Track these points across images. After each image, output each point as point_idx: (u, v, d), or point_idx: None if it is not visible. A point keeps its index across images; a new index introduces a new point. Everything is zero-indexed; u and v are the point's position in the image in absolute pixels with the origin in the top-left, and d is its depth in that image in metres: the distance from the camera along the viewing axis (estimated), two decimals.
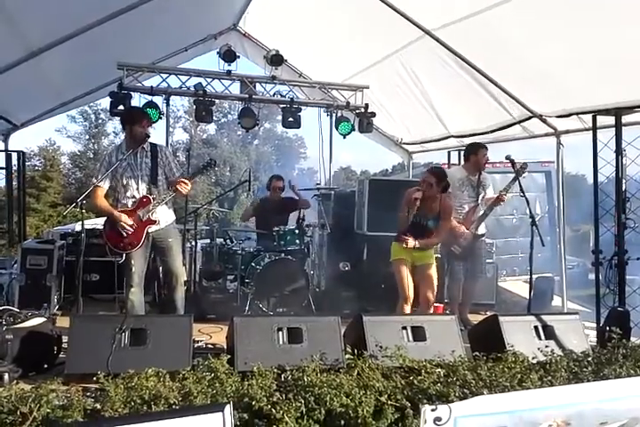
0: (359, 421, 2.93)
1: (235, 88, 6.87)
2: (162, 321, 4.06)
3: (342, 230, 6.86)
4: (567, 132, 6.17)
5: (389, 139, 9.12)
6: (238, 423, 2.74)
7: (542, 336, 4.18)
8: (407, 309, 5.03)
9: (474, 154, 5.68)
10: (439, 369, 3.55)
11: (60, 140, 43.16)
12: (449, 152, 8.17)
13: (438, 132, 7.83)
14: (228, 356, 3.55)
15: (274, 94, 7.04)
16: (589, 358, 3.84)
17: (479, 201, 5.65)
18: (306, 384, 3.17)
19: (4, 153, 7.09)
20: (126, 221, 4.57)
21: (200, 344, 4.60)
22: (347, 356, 3.73)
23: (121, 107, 6.14)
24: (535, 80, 5.61)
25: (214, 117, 6.98)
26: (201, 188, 30.29)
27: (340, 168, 37.98)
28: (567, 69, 5.13)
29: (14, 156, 7.25)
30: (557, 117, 5.98)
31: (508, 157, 5.27)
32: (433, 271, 5.09)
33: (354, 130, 7.18)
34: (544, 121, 6.20)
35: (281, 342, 3.84)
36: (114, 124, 37.15)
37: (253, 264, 6.17)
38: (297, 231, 6.47)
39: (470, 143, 6.03)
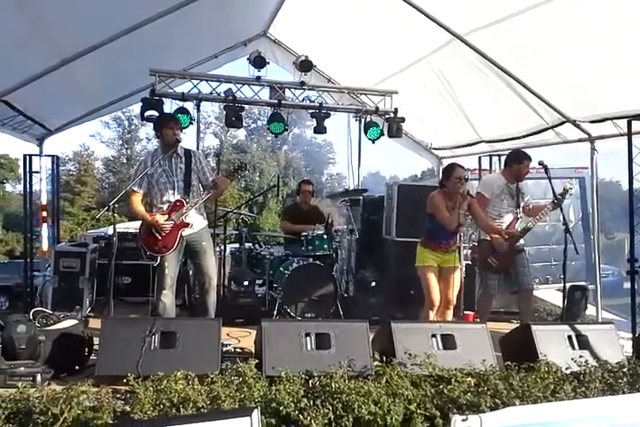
0: None
1: (264, 94, 6.91)
2: (191, 324, 4.08)
3: (371, 236, 6.83)
4: (602, 137, 6.02)
5: (419, 144, 9.05)
6: None
7: (576, 346, 4.08)
8: (432, 315, 5.05)
9: (517, 163, 5.41)
10: (470, 378, 3.50)
11: (93, 146, 44.04)
12: (480, 157, 8.04)
13: (469, 137, 7.74)
14: (256, 360, 3.56)
15: (303, 100, 7.06)
16: (625, 369, 3.75)
17: (519, 212, 5.48)
18: (334, 391, 3.16)
19: (38, 157, 7.23)
20: (160, 221, 4.65)
21: (229, 348, 4.60)
22: (375, 363, 3.70)
23: (151, 112, 6.23)
24: (568, 85, 5.51)
25: (244, 123, 7.02)
26: (230, 193, 30.54)
27: (368, 173, 37.84)
28: (601, 74, 5.03)
29: (49, 160, 7.40)
30: (591, 123, 5.83)
31: (540, 163, 5.13)
32: (457, 274, 5.15)
33: (383, 135, 7.15)
34: (578, 126, 6.06)
35: (309, 348, 3.82)
36: (146, 130, 37.79)
37: (282, 269, 6.18)
38: (325, 236, 6.46)
39: (515, 151, 5.75)
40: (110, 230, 6.27)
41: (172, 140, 4.76)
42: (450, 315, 5.17)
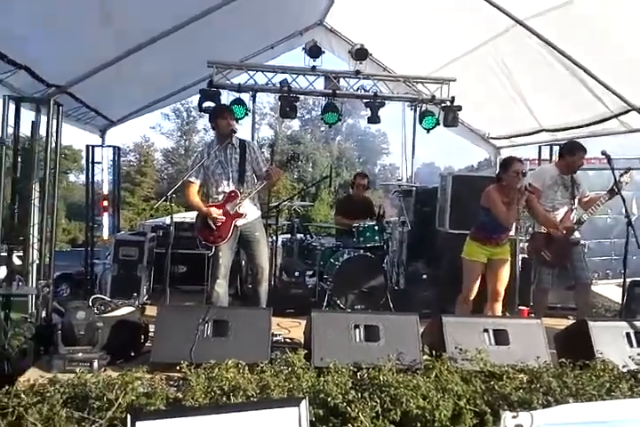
0: (436, 424, 2.87)
1: (319, 84, 6.92)
2: (243, 313, 4.13)
3: (423, 228, 6.75)
4: None
5: (476, 133, 8.86)
6: (314, 419, 2.76)
7: (634, 344, 3.92)
8: (465, 307, 5.08)
9: (570, 154, 5.23)
10: (522, 375, 3.43)
11: (153, 137, 45.24)
12: (540, 147, 7.79)
13: (529, 125, 7.51)
14: (305, 351, 3.59)
15: (357, 89, 7.02)
16: None
17: (574, 203, 5.29)
18: (382, 384, 3.16)
19: (100, 148, 7.47)
20: (215, 212, 4.76)
21: (278, 338, 4.65)
22: (424, 357, 3.67)
23: (209, 103, 6.34)
24: (634, 71, 5.25)
25: (298, 114, 7.05)
26: (283, 183, 30.82)
27: (423, 164, 37.33)
28: None
29: (110, 151, 7.64)
30: None
31: (603, 153, 4.93)
32: (507, 266, 5.04)
33: (438, 124, 7.02)
34: None
35: (357, 340, 3.81)
36: (204, 122, 38.39)
37: (332, 260, 6.18)
38: (376, 228, 6.41)
39: (569, 142, 5.58)
40: (168, 220, 6.44)
41: (226, 130, 4.84)
42: (499, 308, 5.09)
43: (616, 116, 6.03)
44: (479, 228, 5.06)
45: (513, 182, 4.80)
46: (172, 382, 3.36)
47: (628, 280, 5.10)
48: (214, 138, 5.06)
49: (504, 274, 5.03)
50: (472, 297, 5.05)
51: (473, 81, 7.19)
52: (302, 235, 7.05)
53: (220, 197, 4.86)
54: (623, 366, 3.59)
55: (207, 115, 5.51)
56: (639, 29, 4.68)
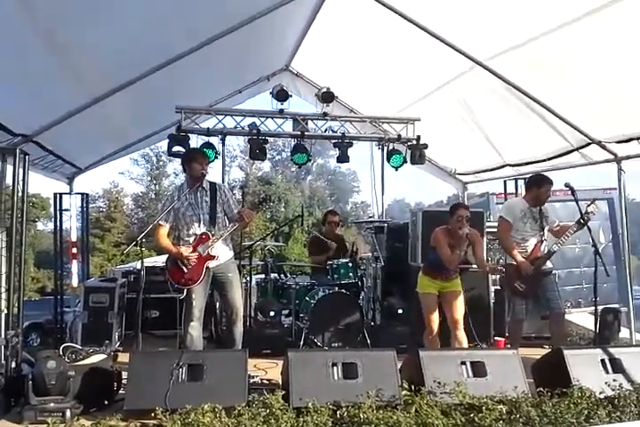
0: None
1: (288, 126, 7.01)
2: (218, 356, 4.09)
3: (396, 263, 6.78)
4: (628, 157, 5.92)
5: (443, 170, 9.05)
6: None
7: (610, 370, 3.98)
8: (433, 338, 5.20)
9: (537, 187, 5.38)
10: (501, 406, 3.43)
11: (123, 183, 44.91)
12: (505, 181, 8.02)
13: (493, 161, 7.71)
14: (283, 391, 3.54)
15: (325, 130, 7.13)
16: None
17: (544, 235, 5.39)
18: (362, 421, 3.13)
19: (68, 195, 7.40)
20: (185, 253, 4.70)
21: (256, 380, 4.59)
22: (403, 392, 3.65)
23: (178, 148, 6.38)
24: (593, 105, 5.45)
25: (269, 155, 7.12)
26: (256, 224, 30.72)
27: (393, 200, 37.66)
28: (626, 93, 4.98)
29: (79, 198, 7.58)
30: (617, 143, 5.75)
31: (567, 185, 5.08)
32: (460, 297, 5.19)
33: (406, 162, 7.16)
34: (603, 147, 5.97)
35: (336, 378, 3.79)
36: (174, 166, 38.34)
37: (307, 299, 6.17)
38: (350, 265, 6.44)
39: (535, 175, 5.69)
40: (139, 265, 6.36)
41: (198, 173, 4.87)
42: (462, 335, 5.13)
43: (577, 149, 6.22)
44: (428, 264, 5.33)
45: (456, 227, 5.01)
46: None
47: (600, 308, 5.19)
48: (184, 181, 5.08)
49: (458, 304, 5.17)
50: (435, 329, 5.17)
51: (438, 119, 7.37)
52: (276, 274, 7.02)
53: (192, 239, 4.83)
54: (600, 393, 3.63)
55: (177, 159, 5.53)
56: (596, 64, 4.89)
